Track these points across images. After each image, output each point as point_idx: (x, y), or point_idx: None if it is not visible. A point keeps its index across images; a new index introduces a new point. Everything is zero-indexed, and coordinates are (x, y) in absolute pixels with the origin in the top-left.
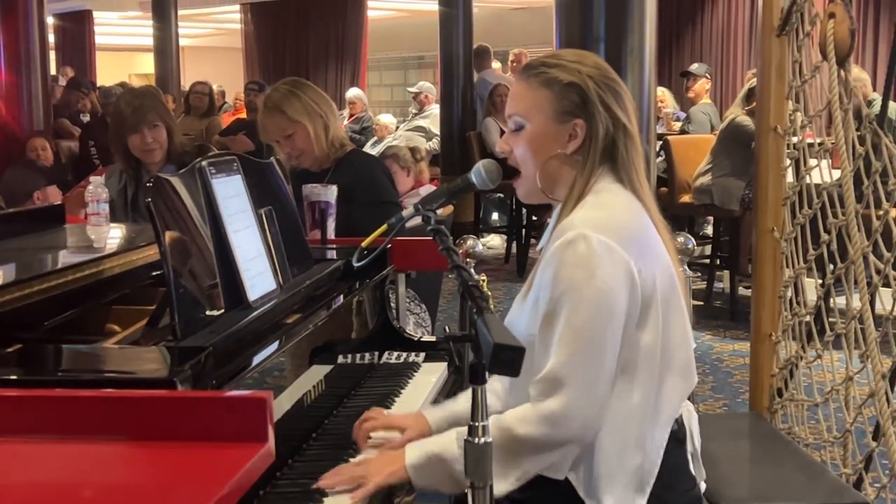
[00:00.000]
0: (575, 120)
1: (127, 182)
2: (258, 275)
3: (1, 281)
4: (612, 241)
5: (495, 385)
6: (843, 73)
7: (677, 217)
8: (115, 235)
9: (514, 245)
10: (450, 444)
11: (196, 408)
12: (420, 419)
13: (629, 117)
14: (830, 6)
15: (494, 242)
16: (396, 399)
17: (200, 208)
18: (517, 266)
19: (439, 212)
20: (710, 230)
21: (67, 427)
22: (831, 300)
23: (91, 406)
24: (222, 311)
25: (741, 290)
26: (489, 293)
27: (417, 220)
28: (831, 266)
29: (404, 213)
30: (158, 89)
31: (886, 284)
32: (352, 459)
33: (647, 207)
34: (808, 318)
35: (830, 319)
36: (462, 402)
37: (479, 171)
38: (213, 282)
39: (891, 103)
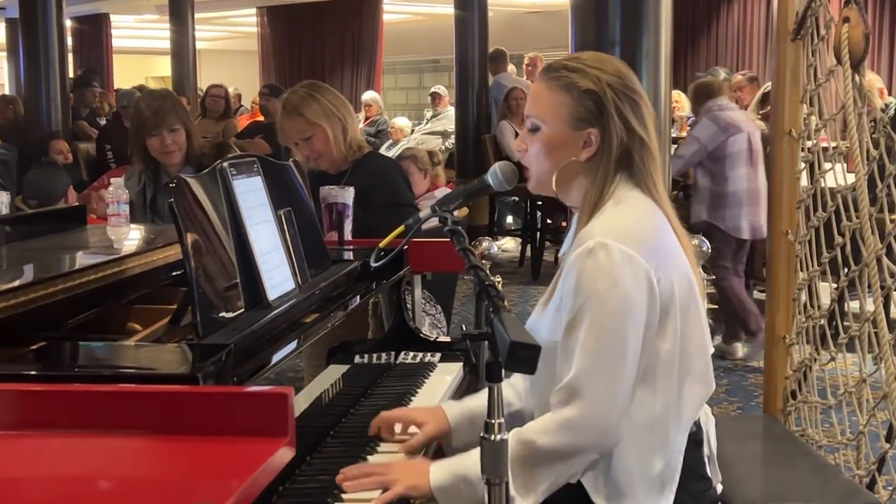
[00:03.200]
0: (590, 128)
1: (146, 183)
2: (277, 275)
3: (25, 280)
4: (632, 250)
5: (515, 380)
6: (857, 77)
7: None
8: (134, 236)
9: (528, 248)
10: (475, 464)
11: (219, 403)
12: (438, 413)
13: (646, 127)
14: (845, 10)
15: (509, 245)
16: (413, 399)
17: (220, 209)
18: (531, 269)
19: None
20: None
21: (92, 421)
22: (845, 303)
23: (116, 400)
24: (242, 310)
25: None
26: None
27: (433, 222)
28: (845, 269)
29: (421, 214)
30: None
31: None
32: (371, 458)
33: (667, 214)
34: (821, 321)
35: (844, 322)
36: (480, 398)
37: (496, 173)
38: (233, 281)
39: None
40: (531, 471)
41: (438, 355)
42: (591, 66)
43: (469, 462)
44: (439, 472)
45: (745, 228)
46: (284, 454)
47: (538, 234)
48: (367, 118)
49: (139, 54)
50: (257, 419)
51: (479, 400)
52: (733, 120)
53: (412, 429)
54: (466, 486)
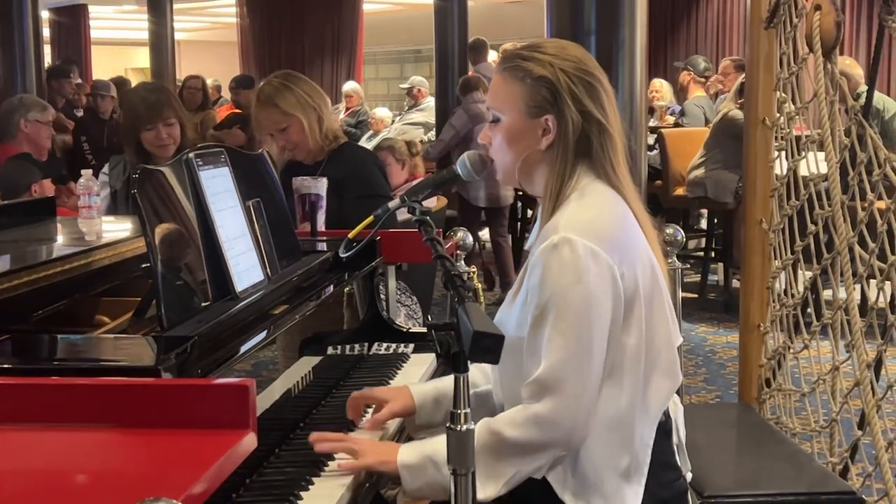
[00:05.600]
0: (546, 115)
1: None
2: (245, 266)
3: None
4: (595, 245)
5: (484, 364)
6: (829, 64)
7: (672, 210)
8: (105, 228)
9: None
10: (443, 446)
11: (180, 395)
12: (405, 392)
13: (604, 111)
14: None
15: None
16: None
17: (186, 200)
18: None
19: (433, 204)
20: (704, 223)
21: (51, 414)
22: (819, 291)
23: (75, 394)
24: (209, 301)
25: (735, 283)
26: (479, 285)
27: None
28: (818, 257)
29: (390, 204)
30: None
31: (871, 275)
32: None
33: (630, 202)
34: (795, 310)
35: (818, 310)
36: (447, 380)
37: (465, 163)
38: (200, 273)
39: (879, 94)
40: (496, 461)
41: (412, 346)
42: (547, 52)
43: (438, 445)
44: (408, 451)
45: (482, 198)
46: (245, 446)
47: (518, 224)
48: (347, 109)
49: (118, 45)
50: (219, 412)
51: (445, 381)
52: (479, 111)
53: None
54: (433, 468)
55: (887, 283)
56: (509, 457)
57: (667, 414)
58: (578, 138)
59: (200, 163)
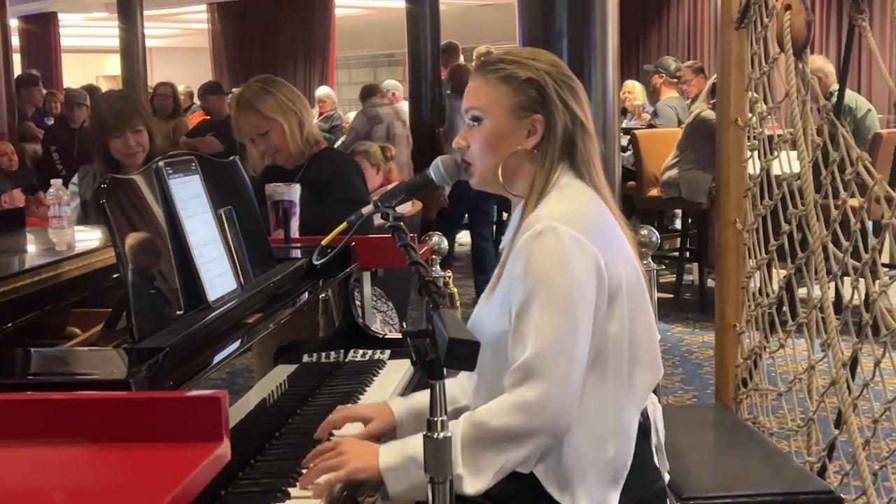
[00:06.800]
0: (534, 115)
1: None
2: (218, 275)
3: None
4: (580, 233)
5: (462, 378)
6: (800, 64)
7: (646, 210)
8: (77, 238)
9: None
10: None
11: (151, 408)
12: (384, 409)
13: (586, 115)
14: None
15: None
16: (361, 397)
17: (156, 209)
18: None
19: (408, 208)
20: (679, 223)
21: (20, 430)
22: (796, 290)
23: (44, 408)
24: (181, 311)
25: (710, 283)
26: (455, 290)
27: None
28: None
29: (364, 210)
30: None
31: (846, 273)
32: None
33: (607, 202)
34: (770, 309)
35: (793, 309)
36: (427, 394)
37: (438, 167)
38: (172, 283)
39: (851, 93)
40: (482, 453)
41: (388, 352)
42: (527, 57)
43: (420, 442)
44: (388, 452)
45: None
46: (219, 458)
47: (494, 227)
48: (321, 114)
49: (89, 53)
50: (191, 424)
51: (425, 396)
52: (377, 114)
53: (358, 424)
54: (415, 467)
55: (861, 280)
56: (496, 446)
57: (645, 414)
58: (566, 139)
59: (170, 171)
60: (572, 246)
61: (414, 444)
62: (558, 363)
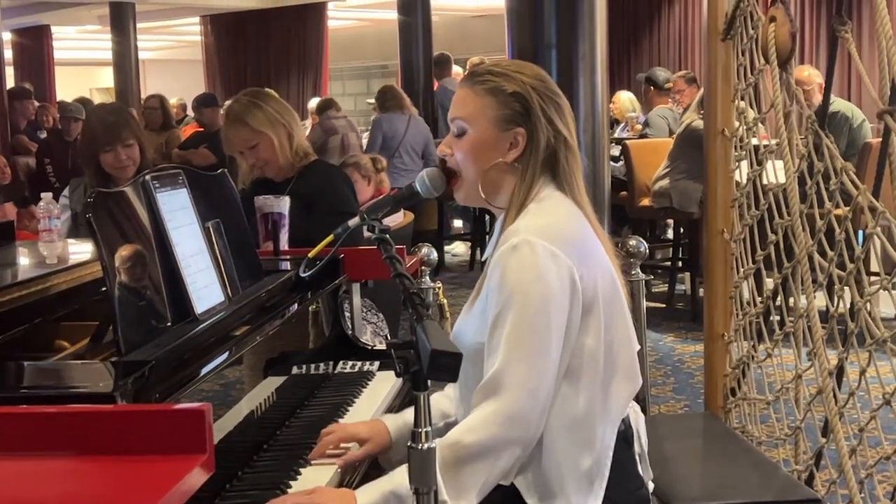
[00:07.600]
0: (516, 129)
1: None
2: (205, 287)
3: None
4: (555, 247)
5: (449, 391)
6: (784, 75)
7: (638, 220)
8: (66, 252)
9: (477, 252)
10: (403, 479)
11: (135, 421)
12: (379, 427)
13: (570, 130)
14: (771, 10)
15: (459, 250)
16: (350, 408)
17: (143, 223)
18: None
19: (399, 220)
20: (671, 233)
21: (4, 443)
22: (784, 299)
23: (29, 422)
24: (169, 324)
25: (702, 292)
26: (444, 301)
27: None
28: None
29: (350, 222)
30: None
31: (831, 283)
32: (304, 471)
33: (587, 216)
34: (758, 319)
35: (780, 319)
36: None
37: (423, 180)
38: (159, 296)
39: (846, 103)
40: (461, 472)
41: (377, 364)
42: (515, 70)
43: (397, 478)
44: (367, 493)
45: None
46: (201, 472)
47: (487, 237)
48: (314, 125)
49: (82, 66)
50: (174, 437)
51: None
52: (333, 125)
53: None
54: (396, 500)
55: (846, 290)
56: (473, 464)
57: (627, 423)
58: (548, 154)
59: (157, 185)
60: (546, 259)
61: (392, 479)
62: (528, 375)
